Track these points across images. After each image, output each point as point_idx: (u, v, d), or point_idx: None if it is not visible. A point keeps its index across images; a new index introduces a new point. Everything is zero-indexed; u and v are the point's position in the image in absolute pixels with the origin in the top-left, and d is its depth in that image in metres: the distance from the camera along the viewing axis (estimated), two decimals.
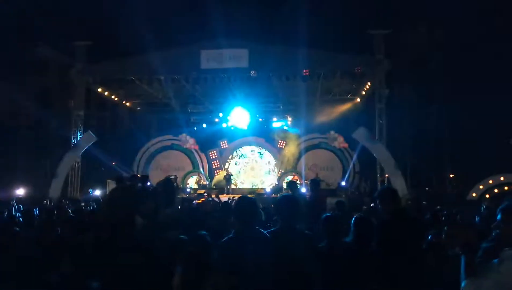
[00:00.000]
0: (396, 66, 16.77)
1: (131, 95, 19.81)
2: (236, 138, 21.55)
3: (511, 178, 15.02)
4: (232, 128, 20.65)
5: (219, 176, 20.90)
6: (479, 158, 15.97)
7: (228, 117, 20.11)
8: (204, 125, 20.94)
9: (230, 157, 21.76)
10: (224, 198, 10.94)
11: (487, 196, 14.58)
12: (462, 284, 2.24)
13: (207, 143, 21.58)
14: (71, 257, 3.27)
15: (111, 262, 2.95)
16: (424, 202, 9.55)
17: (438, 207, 7.98)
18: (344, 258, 3.26)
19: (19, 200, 13.82)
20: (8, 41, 17.29)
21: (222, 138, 21.80)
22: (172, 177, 12.86)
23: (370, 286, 3.13)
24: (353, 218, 3.70)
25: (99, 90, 18.14)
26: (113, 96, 19.18)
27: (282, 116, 20.52)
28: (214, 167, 21.66)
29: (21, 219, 6.13)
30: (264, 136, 21.35)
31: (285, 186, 17.29)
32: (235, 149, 21.80)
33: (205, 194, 14.35)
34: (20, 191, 15.77)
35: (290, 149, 20.75)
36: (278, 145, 21.38)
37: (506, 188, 14.75)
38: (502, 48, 15.59)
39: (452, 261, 2.59)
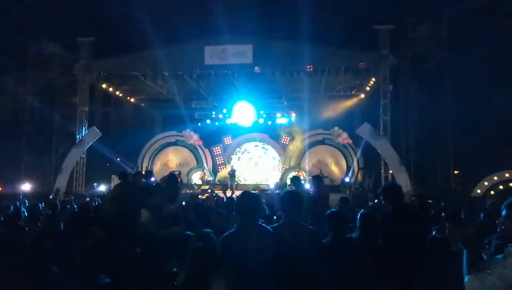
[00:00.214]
0: (400, 62, 16.70)
1: (135, 91, 19.85)
2: (240, 134, 21.57)
3: None
4: (237, 124, 20.62)
5: (223, 172, 20.96)
6: (483, 155, 15.88)
7: (232, 112, 19.99)
8: (208, 121, 20.94)
9: (234, 153, 21.80)
10: (228, 194, 10.95)
11: (492, 192, 14.52)
12: (465, 279, 2.25)
13: (211, 139, 21.60)
14: (76, 251, 3.31)
15: (115, 255, 2.98)
16: (429, 201, 9.50)
17: (442, 204, 7.95)
18: (348, 254, 3.27)
19: (25, 195, 13.97)
20: (12, 37, 17.36)
21: (226, 134, 21.83)
22: (176, 173, 12.96)
23: (374, 281, 3.14)
24: (359, 214, 3.70)
25: (104, 86, 18.20)
26: (117, 92, 19.22)
27: (286, 112, 20.48)
28: (218, 163, 21.70)
29: (25, 213, 6.19)
30: (268, 132, 21.36)
31: (288, 182, 17.29)
32: (239, 145, 21.83)
33: (209, 190, 14.38)
34: (26, 187, 15.91)
35: (294, 145, 20.76)
36: (282, 141, 21.40)
37: (511, 184, 14.67)
38: (508, 43, 15.46)
39: (456, 257, 2.60)
